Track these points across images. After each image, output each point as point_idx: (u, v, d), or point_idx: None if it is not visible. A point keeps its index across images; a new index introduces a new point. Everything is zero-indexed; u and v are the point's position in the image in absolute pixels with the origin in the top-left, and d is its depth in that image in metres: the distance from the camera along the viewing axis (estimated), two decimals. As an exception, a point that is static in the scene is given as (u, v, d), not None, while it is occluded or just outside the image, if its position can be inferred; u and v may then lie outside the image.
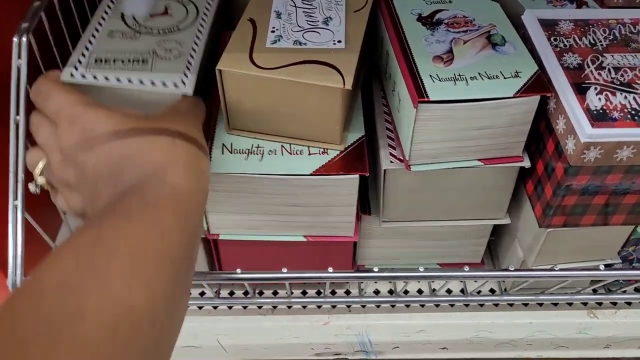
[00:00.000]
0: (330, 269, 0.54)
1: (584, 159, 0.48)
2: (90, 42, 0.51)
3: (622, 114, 0.48)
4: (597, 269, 0.55)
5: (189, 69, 0.50)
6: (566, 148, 0.50)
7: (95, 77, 0.48)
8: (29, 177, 0.49)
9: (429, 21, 0.59)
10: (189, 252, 0.38)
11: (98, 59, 0.50)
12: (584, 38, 0.56)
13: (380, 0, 0.62)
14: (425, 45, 0.55)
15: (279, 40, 0.53)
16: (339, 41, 0.53)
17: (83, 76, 0.47)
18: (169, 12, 0.56)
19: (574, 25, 0.58)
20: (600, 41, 0.56)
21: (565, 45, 0.55)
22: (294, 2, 0.58)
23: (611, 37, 0.56)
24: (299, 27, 0.55)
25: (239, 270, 0.54)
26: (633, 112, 0.49)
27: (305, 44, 0.53)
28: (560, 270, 0.54)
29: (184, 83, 0.48)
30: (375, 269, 0.54)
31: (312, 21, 0.55)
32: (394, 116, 0.59)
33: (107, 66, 0.49)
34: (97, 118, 0.41)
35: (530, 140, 0.56)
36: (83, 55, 0.50)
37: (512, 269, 0.54)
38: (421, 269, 0.53)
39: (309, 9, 0.57)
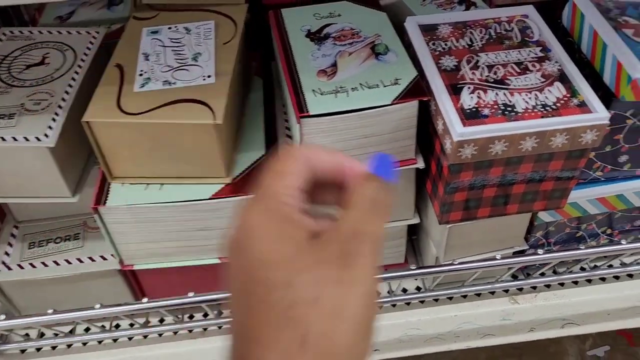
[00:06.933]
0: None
1: (461, 156, 0.50)
2: None
3: (492, 110, 0.51)
4: (493, 258, 0.57)
5: (54, 120, 0.50)
6: (446, 147, 0.52)
7: None
8: None
9: (317, 36, 0.61)
10: None
11: None
12: (461, 40, 0.58)
13: (272, 18, 0.64)
14: (311, 60, 0.57)
15: (147, 82, 0.54)
16: (209, 76, 0.54)
17: None
18: (47, 61, 0.57)
19: (453, 28, 0.60)
20: (477, 41, 0.58)
21: (443, 48, 0.58)
22: (162, 42, 0.58)
23: (487, 36, 0.59)
24: (168, 66, 0.55)
25: (145, 300, 0.55)
26: (503, 107, 0.51)
27: (174, 83, 0.54)
28: (460, 263, 0.56)
29: (47, 136, 0.49)
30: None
31: (181, 59, 0.56)
32: (292, 130, 0.60)
33: None
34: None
35: (425, 141, 0.58)
36: None
37: (414, 268, 0.56)
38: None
39: (177, 47, 0.58)
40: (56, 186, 0.57)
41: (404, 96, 0.52)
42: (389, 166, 0.30)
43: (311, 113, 0.51)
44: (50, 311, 0.57)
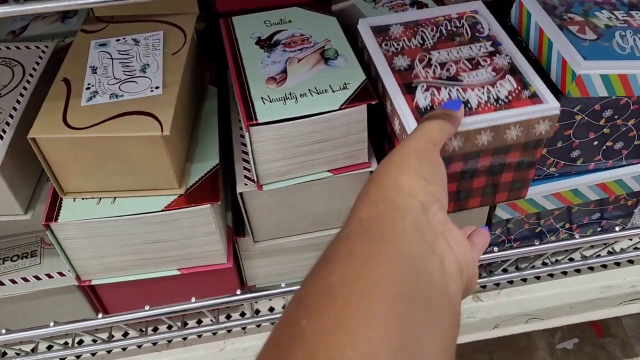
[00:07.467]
0: (194, 299, 0.55)
1: (413, 157, 0.50)
2: None
3: (446, 108, 0.51)
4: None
5: (1, 138, 0.50)
6: (399, 149, 0.52)
7: None
8: None
9: (267, 43, 0.60)
10: None
11: None
12: (413, 39, 0.59)
13: (223, 27, 0.64)
14: (261, 68, 0.57)
15: (94, 96, 0.53)
16: (157, 87, 0.54)
17: None
18: None
19: (404, 27, 0.60)
20: (429, 39, 0.58)
21: (396, 49, 0.58)
22: (110, 55, 0.58)
23: (438, 34, 0.59)
24: (116, 79, 0.55)
25: (100, 315, 0.54)
26: (455, 105, 0.51)
27: (122, 95, 0.53)
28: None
29: None
30: (238, 292, 0.55)
31: (129, 71, 0.55)
32: (245, 138, 0.60)
33: None
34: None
35: (383, 141, 0.58)
36: None
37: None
38: (283, 284, 0.55)
39: (125, 59, 0.57)
40: (7, 204, 0.56)
41: (352, 100, 0.52)
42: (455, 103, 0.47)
43: (260, 121, 0.51)
44: (3, 331, 0.56)
